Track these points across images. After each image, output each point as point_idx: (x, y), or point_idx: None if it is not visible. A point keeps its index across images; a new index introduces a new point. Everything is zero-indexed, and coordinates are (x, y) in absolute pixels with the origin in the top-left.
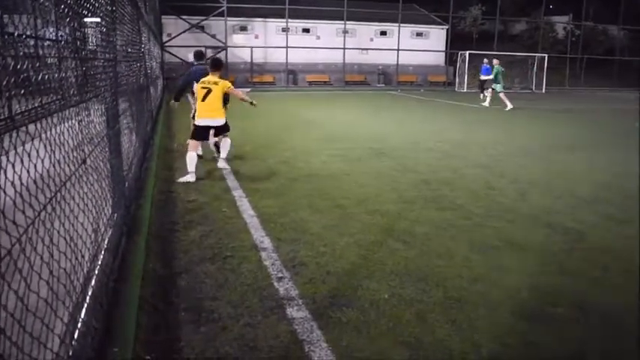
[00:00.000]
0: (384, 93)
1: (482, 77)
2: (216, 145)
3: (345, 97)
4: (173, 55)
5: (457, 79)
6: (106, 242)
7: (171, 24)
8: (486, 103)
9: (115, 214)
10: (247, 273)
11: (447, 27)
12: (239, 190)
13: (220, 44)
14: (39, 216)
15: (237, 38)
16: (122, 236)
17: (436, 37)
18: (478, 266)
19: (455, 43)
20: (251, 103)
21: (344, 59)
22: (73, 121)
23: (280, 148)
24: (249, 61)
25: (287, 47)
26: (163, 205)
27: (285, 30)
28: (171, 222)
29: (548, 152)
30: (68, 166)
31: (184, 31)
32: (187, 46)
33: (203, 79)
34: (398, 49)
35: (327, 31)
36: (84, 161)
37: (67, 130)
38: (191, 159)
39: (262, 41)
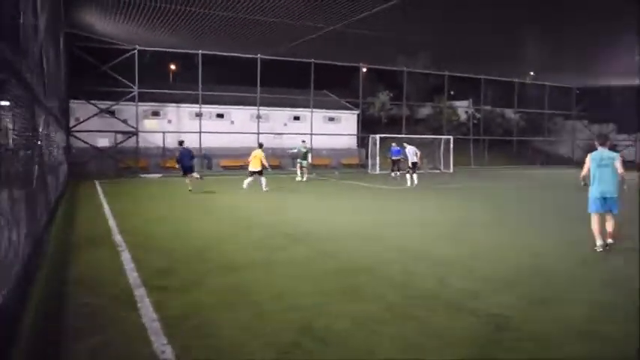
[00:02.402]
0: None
1: (394, 158)
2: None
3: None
4: (80, 140)
5: (369, 161)
6: None
7: (81, 108)
8: (409, 183)
9: None
10: None
11: (357, 112)
12: (141, 288)
13: (131, 129)
14: None
15: (150, 123)
16: None
17: (347, 121)
18: None
19: (366, 126)
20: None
21: (257, 144)
22: None
23: (191, 237)
24: (162, 146)
25: (200, 132)
26: (50, 312)
27: (199, 115)
28: (57, 332)
29: (462, 231)
30: None
31: (93, 116)
32: (97, 130)
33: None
34: (311, 134)
35: (241, 116)
36: None
37: None
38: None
39: (175, 126)
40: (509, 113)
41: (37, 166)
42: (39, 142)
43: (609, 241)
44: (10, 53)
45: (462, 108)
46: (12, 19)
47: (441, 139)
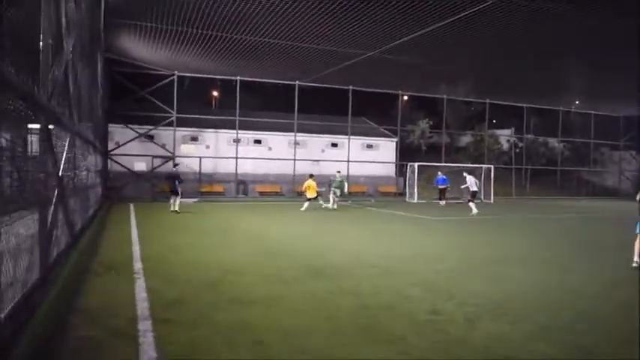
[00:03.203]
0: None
1: (440, 186)
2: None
3: (294, 209)
4: (118, 163)
5: (407, 190)
6: None
7: (120, 132)
8: (475, 211)
9: None
10: None
11: (396, 139)
12: (147, 320)
13: (169, 154)
14: None
15: (188, 148)
16: None
17: (386, 148)
18: None
19: (404, 154)
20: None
21: (294, 170)
22: None
23: (210, 267)
24: (199, 170)
25: (237, 157)
26: (43, 346)
27: (236, 141)
28: None
29: (497, 267)
30: None
31: (132, 140)
32: (135, 154)
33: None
34: (348, 161)
35: (278, 142)
36: None
37: None
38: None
39: (213, 151)
40: (553, 142)
41: (55, 189)
42: (56, 164)
43: None
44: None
45: (504, 136)
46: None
47: (481, 168)
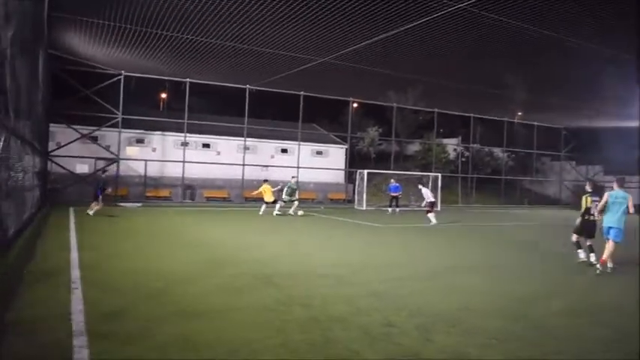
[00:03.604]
0: (284, 210)
1: (392, 194)
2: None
3: (242, 214)
4: (59, 165)
5: (356, 197)
6: None
7: (61, 132)
8: (434, 221)
9: None
10: None
11: (346, 146)
12: (83, 336)
13: (113, 156)
14: None
15: (133, 150)
16: None
17: (336, 155)
18: None
19: (354, 161)
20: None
21: (243, 175)
22: None
23: (154, 276)
24: (144, 174)
25: (184, 162)
26: None
27: (184, 144)
28: None
29: (448, 275)
30: None
31: (74, 141)
32: (77, 156)
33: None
34: (298, 167)
35: (227, 146)
36: None
37: None
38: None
39: (160, 154)
40: (498, 152)
41: None
42: None
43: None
44: None
45: (451, 145)
46: None
47: (429, 176)
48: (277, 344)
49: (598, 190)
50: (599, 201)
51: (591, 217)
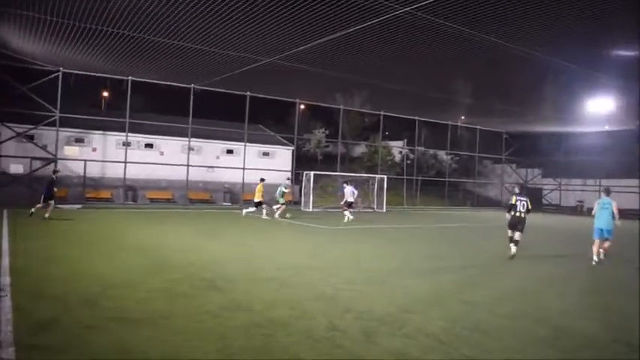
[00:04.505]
0: (229, 212)
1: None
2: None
3: (186, 216)
4: None
5: (303, 198)
6: None
7: None
8: (349, 218)
9: None
10: None
11: (292, 148)
12: (11, 347)
13: (50, 156)
14: None
15: (72, 150)
16: None
17: (282, 156)
18: None
19: (301, 163)
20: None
21: (187, 176)
22: None
23: (90, 281)
24: (83, 175)
25: (126, 162)
26: None
27: (126, 144)
28: None
29: (392, 277)
30: None
31: (8, 139)
32: (12, 155)
33: None
34: (244, 168)
35: (171, 146)
36: None
37: None
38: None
39: (100, 154)
40: (442, 155)
41: None
42: None
43: (601, 257)
44: None
45: (397, 148)
46: None
47: (375, 178)
48: (215, 351)
49: (524, 192)
50: (525, 200)
51: (518, 214)
